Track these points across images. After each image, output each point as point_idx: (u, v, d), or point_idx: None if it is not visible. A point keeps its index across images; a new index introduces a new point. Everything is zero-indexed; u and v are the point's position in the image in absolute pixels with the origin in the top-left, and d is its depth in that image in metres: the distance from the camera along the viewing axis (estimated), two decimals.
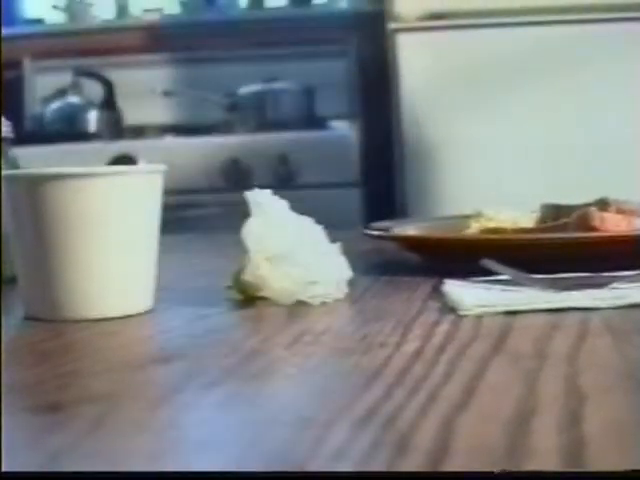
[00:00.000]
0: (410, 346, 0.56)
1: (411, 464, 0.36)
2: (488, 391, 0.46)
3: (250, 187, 0.74)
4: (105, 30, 2.88)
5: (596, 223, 0.85)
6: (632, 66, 2.07)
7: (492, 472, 0.34)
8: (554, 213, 0.94)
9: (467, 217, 0.98)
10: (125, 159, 2.27)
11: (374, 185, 2.41)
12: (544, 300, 0.67)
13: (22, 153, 0.98)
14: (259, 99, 2.60)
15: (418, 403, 0.44)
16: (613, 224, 0.85)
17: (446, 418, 0.41)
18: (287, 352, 0.57)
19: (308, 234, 0.74)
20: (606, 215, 0.86)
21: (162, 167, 0.73)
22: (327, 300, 0.72)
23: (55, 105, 2.66)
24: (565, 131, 2.10)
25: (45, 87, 2.75)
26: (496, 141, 2.11)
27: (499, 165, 2.11)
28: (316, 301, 0.72)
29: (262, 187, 0.75)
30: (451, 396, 0.45)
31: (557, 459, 0.36)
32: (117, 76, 2.73)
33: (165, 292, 0.75)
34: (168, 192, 0.74)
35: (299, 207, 0.75)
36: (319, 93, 2.63)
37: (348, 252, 0.76)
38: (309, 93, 2.63)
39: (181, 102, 2.79)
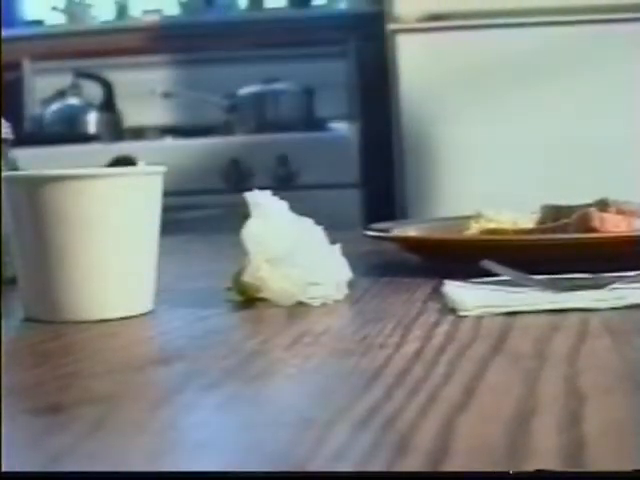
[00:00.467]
0: (410, 347, 0.56)
1: (411, 464, 0.36)
2: (488, 391, 0.46)
3: (250, 188, 0.74)
4: (105, 31, 2.88)
5: (596, 224, 0.85)
6: (632, 66, 2.07)
7: (492, 472, 0.34)
8: (554, 214, 0.94)
9: (467, 218, 0.98)
10: (125, 160, 2.27)
11: (374, 186, 2.41)
12: (544, 301, 0.67)
13: (22, 154, 0.98)
14: (259, 100, 2.60)
15: (418, 404, 0.44)
16: (613, 225, 0.86)
17: (446, 419, 0.41)
18: (287, 353, 0.57)
19: (308, 235, 0.74)
20: (606, 216, 0.86)
21: (162, 168, 0.73)
22: (327, 301, 0.72)
23: (55, 106, 2.66)
24: (565, 131, 2.10)
25: (45, 88, 2.75)
26: (496, 142, 2.11)
27: (499, 166, 2.11)
28: (316, 302, 0.72)
29: (262, 188, 0.75)
30: (451, 397, 0.45)
31: (557, 459, 0.36)
32: (117, 77, 2.73)
33: (165, 293, 0.75)
34: (168, 193, 0.74)
35: (299, 208, 0.75)
36: (319, 94, 2.63)
37: (348, 253, 0.76)
38: (309, 94, 2.63)
39: (181, 103, 2.79)
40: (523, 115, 2.11)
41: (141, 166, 1.86)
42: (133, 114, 2.74)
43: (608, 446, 0.37)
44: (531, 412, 0.42)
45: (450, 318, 0.65)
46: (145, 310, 0.71)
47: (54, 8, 2.93)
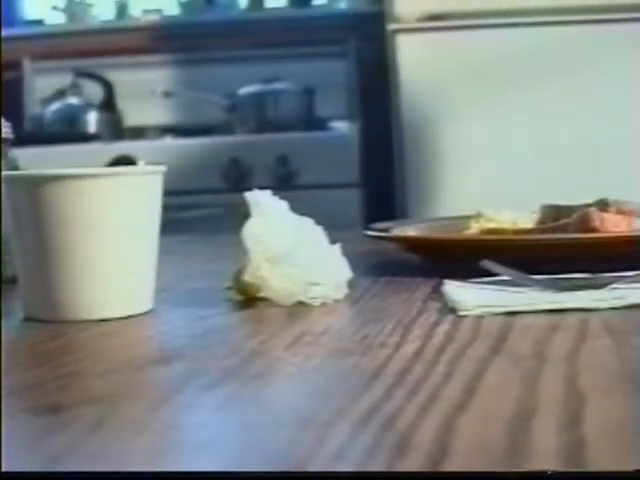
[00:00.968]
0: (410, 346, 0.56)
1: (411, 464, 0.36)
2: (488, 391, 0.46)
3: (250, 188, 0.74)
4: (105, 31, 2.88)
5: (596, 224, 0.85)
6: (632, 66, 2.07)
7: (492, 472, 0.34)
8: (554, 214, 0.94)
9: (467, 218, 0.98)
10: (125, 160, 2.27)
11: (374, 186, 2.41)
12: (544, 301, 0.67)
13: (22, 154, 0.98)
14: (259, 100, 2.60)
15: (418, 403, 0.44)
16: (613, 225, 0.85)
17: (446, 418, 0.41)
18: (287, 353, 0.57)
19: (308, 235, 0.74)
20: (606, 216, 0.86)
21: (162, 168, 0.73)
22: (327, 301, 0.72)
23: (55, 106, 2.66)
24: (565, 131, 2.10)
25: (45, 88, 2.75)
26: (496, 142, 2.11)
27: (499, 166, 2.11)
28: (316, 302, 0.72)
29: (262, 188, 0.75)
30: (451, 396, 0.45)
31: (557, 459, 0.36)
32: (117, 77, 2.73)
33: (165, 293, 0.75)
34: (168, 193, 0.74)
35: (299, 208, 0.75)
36: (319, 94, 2.63)
37: (348, 253, 0.76)
38: (309, 94, 2.63)
39: (181, 103, 2.79)
40: (523, 115, 2.11)
41: (141, 166, 1.86)
42: (133, 114, 2.74)
43: (608, 446, 0.37)
44: (531, 412, 0.42)
45: (450, 318, 0.65)
46: (145, 310, 0.71)
47: (54, 8, 2.94)
